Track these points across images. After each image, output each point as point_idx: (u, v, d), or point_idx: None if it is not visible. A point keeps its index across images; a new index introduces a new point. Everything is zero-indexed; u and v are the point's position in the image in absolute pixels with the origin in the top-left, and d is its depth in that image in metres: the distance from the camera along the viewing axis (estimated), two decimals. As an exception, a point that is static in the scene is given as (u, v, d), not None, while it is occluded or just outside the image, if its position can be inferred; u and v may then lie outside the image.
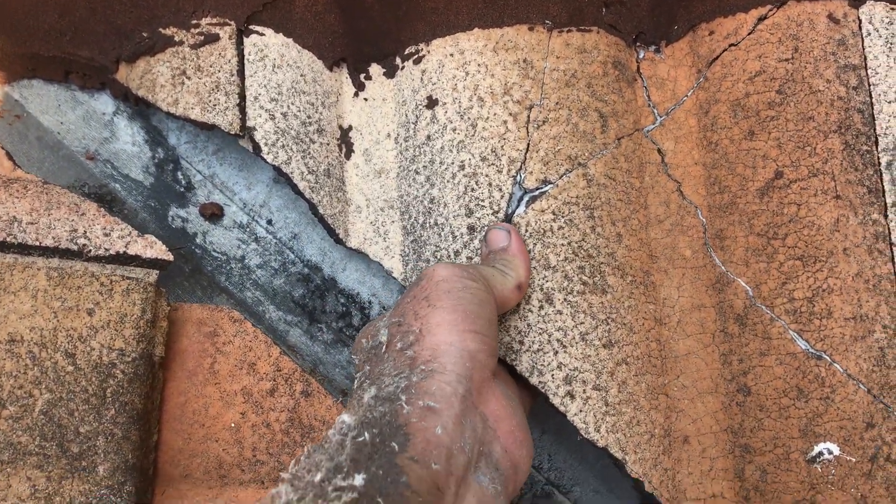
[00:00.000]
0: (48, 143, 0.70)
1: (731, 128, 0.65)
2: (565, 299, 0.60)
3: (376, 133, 0.70)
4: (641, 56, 0.69)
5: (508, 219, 0.62)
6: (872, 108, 0.63)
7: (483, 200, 0.62)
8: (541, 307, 0.60)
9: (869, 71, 0.63)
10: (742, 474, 0.61)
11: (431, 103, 0.66)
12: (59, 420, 0.54)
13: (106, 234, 0.61)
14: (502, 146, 0.63)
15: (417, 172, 0.66)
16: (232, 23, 0.66)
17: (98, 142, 0.70)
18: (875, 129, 0.62)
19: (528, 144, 0.63)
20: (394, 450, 0.40)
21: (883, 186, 0.62)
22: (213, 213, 0.69)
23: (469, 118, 0.64)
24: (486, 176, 0.62)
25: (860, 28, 0.64)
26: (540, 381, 0.59)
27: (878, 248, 0.60)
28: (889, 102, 0.62)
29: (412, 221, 0.66)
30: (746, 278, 0.63)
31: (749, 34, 0.65)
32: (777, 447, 0.60)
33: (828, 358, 0.59)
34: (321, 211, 0.65)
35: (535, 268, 0.60)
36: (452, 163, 0.64)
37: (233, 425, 0.63)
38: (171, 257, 0.62)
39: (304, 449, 0.42)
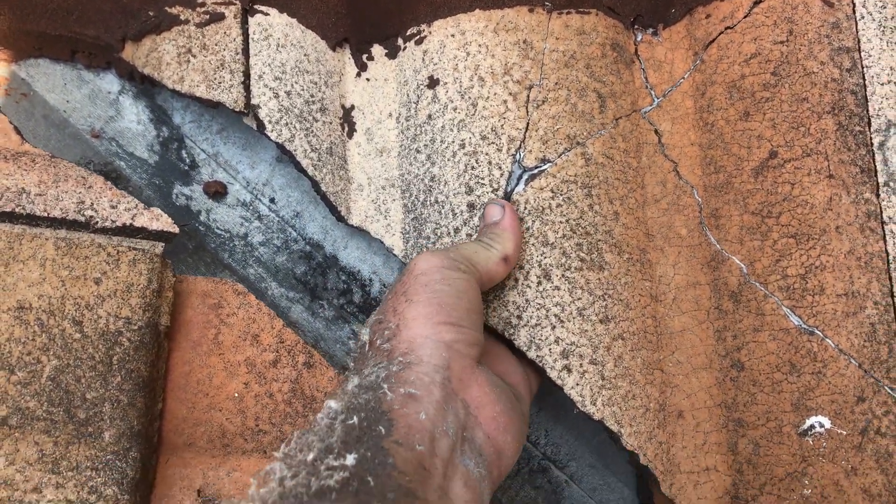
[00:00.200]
0: (54, 121, 0.70)
1: (727, 109, 0.66)
2: (563, 275, 0.61)
3: (378, 112, 0.71)
4: (639, 38, 0.70)
5: (508, 196, 0.63)
6: (865, 90, 0.64)
7: (483, 178, 0.63)
8: (539, 283, 0.61)
9: (862, 53, 0.64)
10: (735, 448, 0.63)
11: (433, 83, 0.67)
12: (66, 386, 0.55)
13: (113, 207, 0.62)
14: (502, 125, 0.64)
15: (418, 151, 0.67)
16: (237, 2, 0.67)
17: (103, 120, 0.71)
18: (868, 111, 0.64)
19: (528, 124, 0.64)
20: (380, 433, 0.42)
21: (875, 166, 0.63)
22: (217, 192, 0.70)
23: (470, 98, 0.65)
24: (486, 154, 0.64)
25: (854, 11, 0.65)
26: (538, 356, 0.60)
27: (869, 226, 0.62)
28: (882, 84, 0.64)
29: (413, 199, 0.67)
30: (741, 256, 0.64)
31: (745, 17, 0.66)
32: (769, 421, 0.61)
33: (820, 333, 0.60)
34: (323, 188, 0.66)
35: (533, 244, 0.61)
36: (453, 141, 0.65)
37: (236, 395, 0.64)
38: (176, 230, 0.63)
39: (294, 432, 0.43)
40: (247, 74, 0.66)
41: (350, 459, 0.39)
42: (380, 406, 0.44)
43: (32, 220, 0.59)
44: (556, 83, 0.65)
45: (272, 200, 0.71)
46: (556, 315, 0.60)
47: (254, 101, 0.65)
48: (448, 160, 0.64)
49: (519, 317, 0.61)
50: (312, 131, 0.67)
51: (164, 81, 0.66)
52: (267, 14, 0.68)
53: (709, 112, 0.67)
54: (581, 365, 0.60)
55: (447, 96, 0.66)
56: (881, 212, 0.62)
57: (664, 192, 0.68)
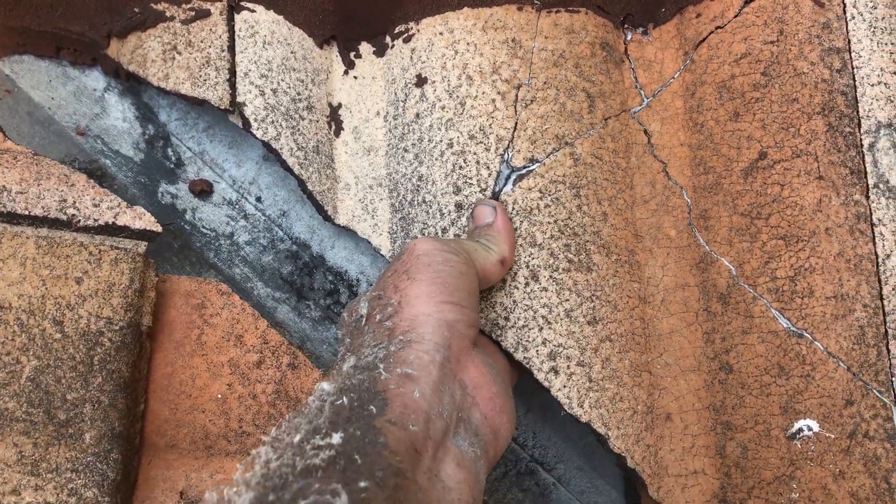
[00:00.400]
0: (39, 118, 0.70)
1: (717, 109, 0.65)
2: (551, 276, 0.61)
3: (366, 111, 0.70)
4: (629, 38, 0.70)
5: (496, 196, 0.62)
6: (856, 91, 0.63)
7: (471, 178, 0.63)
8: (526, 284, 0.60)
9: (853, 54, 0.64)
10: (723, 451, 0.62)
11: (420, 81, 0.66)
12: (46, 387, 0.55)
13: (95, 205, 0.61)
14: (490, 124, 0.63)
15: (406, 150, 0.66)
16: (223, -1, 0.66)
17: (89, 117, 0.70)
18: (858, 112, 0.63)
19: (516, 123, 0.64)
20: (372, 413, 0.41)
21: (865, 168, 0.62)
22: (203, 190, 0.70)
23: (458, 96, 0.64)
24: (474, 154, 0.63)
25: (845, 11, 0.64)
26: (525, 357, 0.59)
27: (859, 228, 0.61)
28: (872, 85, 0.63)
29: (400, 199, 0.66)
30: (730, 258, 0.63)
31: (735, 17, 0.66)
32: (758, 424, 0.60)
33: (809, 336, 0.60)
34: (310, 187, 0.65)
35: (521, 245, 0.61)
36: (441, 141, 0.64)
37: (219, 396, 0.63)
38: (159, 229, 0.62)
39: (286, 415, 0.43)
40: (232, 72, 0.65)
41: (336, 438, 0.38)
42: (374, 386, 0.43)
43: (13, 218, 0.58)
44: (545, 82, 0.65)
45: (258, 199, 0.71)
46: (543, 316, 0.60)
47: (239, 99, 0.64)
48: (436, 159, 0.64)
49: (506, 318, 0.60)
50: (299, 129, 0.66)
51: (149, 79, 0.65)
52: (253, 11, 0.67)
53: (698, 112, 0.66)
54: (568, 367, 0.59)
55: (435, 95, 0.65)
56: (871, 214, 0.62)
57: (653, 193, 0.67)
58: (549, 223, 0.62)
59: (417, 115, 0.66)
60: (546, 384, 0.59)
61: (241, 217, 0.70)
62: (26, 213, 0.59)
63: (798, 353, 0.60)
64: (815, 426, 0.59)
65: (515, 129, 0.63)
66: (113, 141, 0.70)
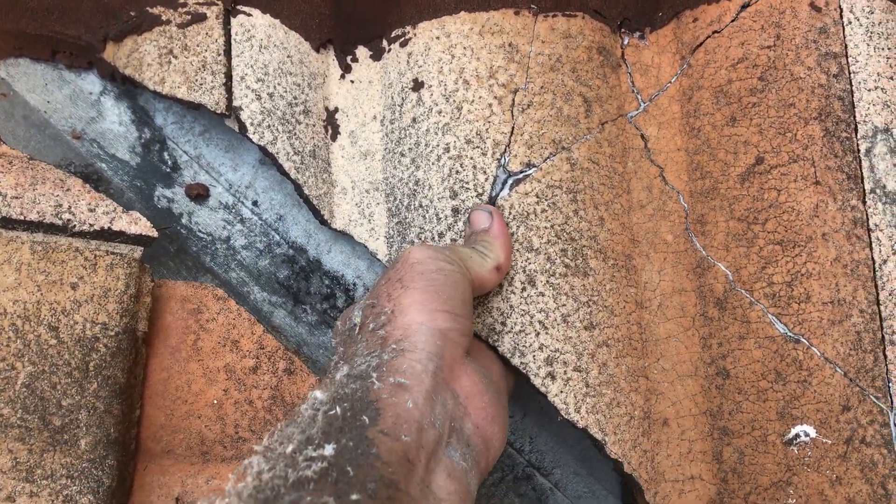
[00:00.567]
0: (34, 121, 0.70)
1: (714, 114, 0.65)
2: (548, 281, 0.60)
3: (362, 115, 0.70)
4: (626, 42, 0.70)
5: (492, 201, 0.62)
6: (852, 96, 0.63)
7: (467, 183, 0.62)
8: (523, 289, 0.60)
9: (849, 59, 0.64)
10: (720, 456, 0.62)
11: (417, 86, 0.66)
12: (41, 393, 0.54)
13: (91, 210, 0.61)
14: (487, 129, 0.63)
15: (403, 155, 0.66)
16: (219, 2, 0.66)
17: (85, 121, 0.70)
18: (855, 117, 0.63)
19: (513, 128, 0.63)
20: (364, 423, 0.41)
21: (862, 173, 0.62)
22: (199, 194, 0.70)
23: (454, 101, 0.64)
24: (471, 158, 0.63)
25: (841, 16, 0.64)
26: (521, 362, 0.59)
27: (856, 233, 0.61)
28: (869, 90, 0.63)
29: (397, 203, 0.66)
30: (727, 263, 0.63)
31: (732, 21, 0.66)
32: (755, 430, 0.60)
33: (806, 342, 0.60)
34: (306, 192, 0.65)
35: (518, 250, 0.61)
36: (437, 145, 0.64)
37: (215, 402, 0.63)
38: (155, 234, 0.62)
39: (278, 424, 0.42)
40: (229, 76, 0.65)
41: (328, 449, 0.38)
42: (367, 395, 0.43)
43: (8, 223, 0.58)
44: (542, 87, 0.64)
45: (255, 203, 0.71)
46: (540, 321, 0.60)
47: (236, 103, 0.64)
48: (432, 164, 0.64)
49: (503, 323, 0.60)
50: (295, 134, 0.66)
51: (145, 83, 0.65)
52: (249, 15, 0.67)
53: (695, 117, 0.66)
54: (565, 372, 0.59)
55: (432, 99, 0.65)
56: (867, 219, 0.62)
57: (650, 198, 0.67)
58: (545, 228, 0.61)
59: (414, 120, 0.66)
60: (543, 389, 0.59)
61: (237, 221, 0.70)
62: (21, 218, 0.59)
63: (795, 358, 0.60)
64: (812, 432, 0.59)
65: (512, 133, 0.63)
66: (109, 145, 0.70)
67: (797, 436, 0.59)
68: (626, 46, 0.70)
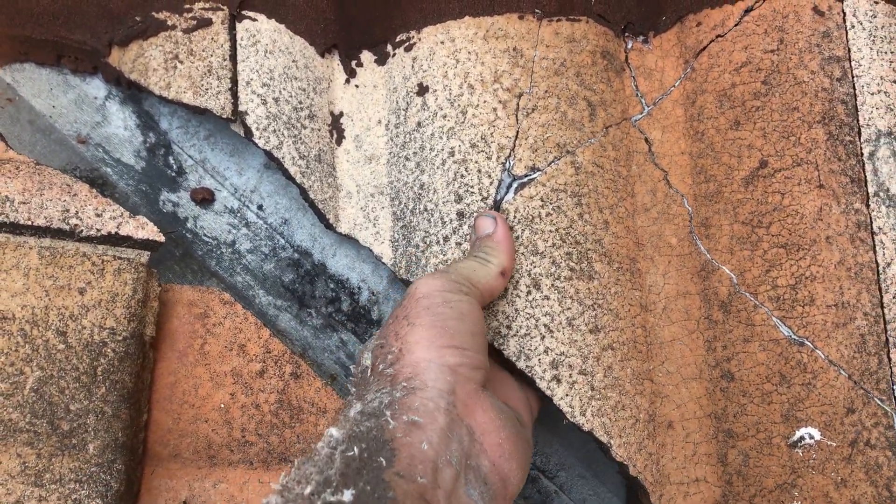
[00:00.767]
0: (40, 126, 0.70)
1: (718, 118, 0.66)
2: (553, 285, 0.61)
3: (367, 119, 0.70)
4: (630, 46, 0.70)
5: (497, 205, 0.62)
6: (856, 100, 0.64)
7: (472, 187, 0.63)
8: (528, 292, 0.61)
9: (852, 63, 0.64)
10: (725, 459, 0.62)
11: (422, 90, 0.66)
12: (49, 398, 0.55)
13: (98, 215, 0.61)
14: (492, 133, 0.64)
15: (408, 159, 0.66)
16: (225, 7, 0.66)
17: (90, 126, 0.70)
18: (858, 120, 0.63)
19: (518, 132, 0.64)
20: (381, 465, 0.41)
21: (865, 176, 0.63)
22: (204, 198, 0.70)
23: (459, 105, 0.64)
24: (476, 162, 0.63)
25: (844, 21, 0.65)
26: (527, 366, 0.59)
27: (859, 236, 0.61)
28: (872, 94, 0.63)
29: (402, 207, 0.66)
30: (731, 266, 0.63)
31: (736, 25, 0.66)
32: (759, 432, 0.61)
33: (810, 344, 0.60)
34: (312, 196, 0.65)
35: (523, 254, 0.61)
36: (442, 149, 0.64)
37: (222, 406, 0.63)
38: (162, 238, 0.62)
39: (295, 461, 0.43)
40: (234, 81, 0.65)
41: (347, 496, 0.38)
42: (382, 435, 0.43)
43: (16, 228, 0.58)
44: (546, 91, 0.65)
45: (260, 207, 0.71)
46: (545, 325, 0.60)
47: (241, 108, 0.65)
48: (437, 168, 0.64)
49: (508, 326, 0.60)
50: (300, 138, 0.66)
51: (150, 87, 0.65)
52: (255, 20, 0.67)
53: (699, 121, 0.67)
54: (570, 375, 0.59)
55: (437, 104, 0.65)
56: (871, 222, 0.62)
57: (654, 201, 0.67)
58: (550, 231, 0.62)
59: (419, 124, 0.66)
60: (549, 393, 0.59)
61: (242, 225, 0.70)
62: (29, 223, 0.59)
63: (799, 361, 0.60)
64: (817, 434, 0.59)
65: (517, 137, 0.64)
66: (114, 149, 0.70)
67: (802, 438, 0.59)
68: (629, 50, 0.70)
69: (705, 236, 0.65)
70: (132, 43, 0.67)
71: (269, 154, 0.64)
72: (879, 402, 0.59)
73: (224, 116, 0.64)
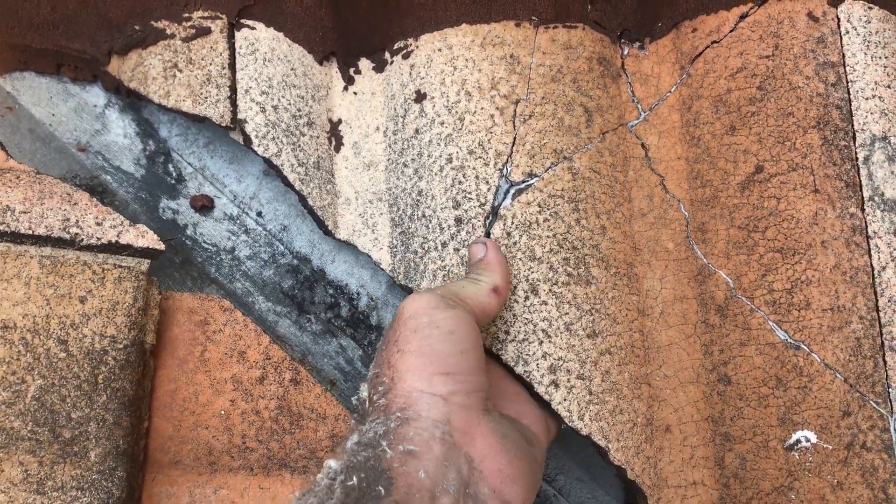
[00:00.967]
0: (40, 134, 0.70)
1: (713, 123, 0.66)
2: (550, 290, 0.61)
3: (365, 126, 0.71)
4: (626, 52, 0.70)
5: (495, 211, 0.63)
6: (850, 105, 0.64)
7: (470, 193, 0.63)
8: (526, 298, 0.61)
9: (847, 68, 0.65)
10: (722, 462, 0.63)
11: (420, 97, 0.67)
12: (51, 406, 0.55)
13: (98, 224, 0.61)
14: (489, 140, 0.64)
15: (406, 165, 0.67)
16: (223, 16, 0.67)
17: (89, 134, 0.71)
18: (853, 125, 0.64)
19: (515, 138, 0.64)
20: (380, 493, 0.41)
21: (860, 181, 0.63)
22: (204, 205, 0.70)
23: (457, 112, 0.65)
24: (474, 169, 0.64)
25: (839, 26, 0.65)
26: (525, 371, 0.60)
27: (855, 240, 0.62)
28: (866, 99, 0.64)
29: (400, 213, 0.67)
30: (727, 270, 0.64)
31: (731, 31, 0.66)
32: (756, 435, 0.61)
33: (806, 348, 0.60)
34: (310, 203, 0.66)
35: (520, 259, 0.62)
36: (440, 156, 0.65)
37: (222, 412, 0.64)
38: (162, 246, 0.63)
39: (296, 493, 0.43)
40: (233, 89, 0.65)
41: None
42: (379, 464, 0.43)
43: (17, 237, 0.59)
44: (543, 97, 0.65)
45: (259, 214, 0.71)
46: (543, 330, 0.60)
47: (240, 116, 0.65)
48: (435, 174, 0.64)
49: (506, 332, 0.61)
50: (299, 146, 0.67)
51: (150, 96, 0.66)
52: (253, 28, 0.67)
53: (695, 126, 0.67)
54: (569, 380, 0.60)
55: (434, 111, 0.66)
56: (866, 226, 0.62)
57: (651, 206, 0.68)
58: (548, 237, 0.62)
59: (417, 131, 0.66)
60: (547, 397, 0.59)
61: (242, 232, 0.71)
62: (30, 232, 0.59)
63: (795, 364, 0.60)
64: (813, 437, 0.59)
65: (514, 144, 0.64)
66: (114, 157, 0.71)
67: (798, 441, 0.60)
68: (625, 57, 0.70)
69: (702, 241, 0.66)
70: (131, 52, 0.67)
71: (267, 161, 0.65)
72: (875, 405, 0.59)
73: (223, 124, 0.64)
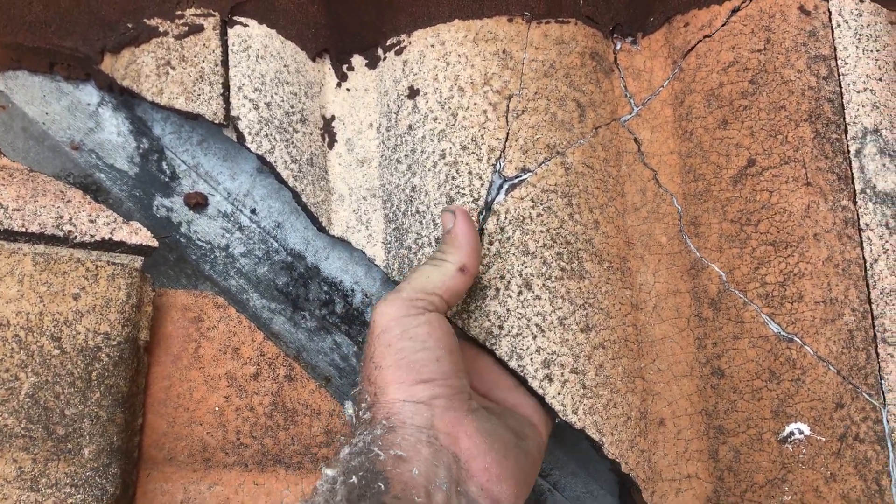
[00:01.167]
0: (33, 133, 0.70)
1: (706, 117, 0.66)
2: (544, 285, 0.61)
3: (359, 123, 0.71)
4: (618, 47, 0.71)
5: (488, 206, 0.63)
6: (842, 98, 0.64)
7: (463, 188, 0.63)
8: (520, 293, 0.61)
9: (839, 61, 0.65)
10: (716, 455, 0.63)
11: (413, 93, 0.67)
12: (44, 403, 0.55)
13: (91, 221, 0.61)
14: (482, 135, 0.64)
15: (399, 161, 0.67)
16: (216, 13, 0.67)
17: (83, 132, 0.71)
18: (844, 118, 0.64)
19: (508, 133, 0.64)
20: (380, 489, 0.42)
21: (852, 173, 0.63)
22: (198, 203, 0.70)
23: (450, 108, 0.65)
24: (467, 164, 0.64)
25: (830, 20, 0.65)
26: (519, 365, 0.60)
27: (847, 233, 0.62)
28: (858, 92, 0.64)
29: (394, 210, 0.67)
30: (720, 264, 0.64)
31: (723, 25, 0.67)
32: (750, 428, 0.61)
33: (799, 341, 0.60)
34: (304, 199, 0.66)
35: (514, 254, 0.62)
36: (433, 152, 0.65)
37: (217, 409, 0.64)
38: (155, 243, 0.63)
39: (298, 500, 0.45)
40: (226, 86, 0.65)
41: None
42: (374, 466, 0.44)
43: (10, 235, 0.59)
44: (536, 93, 0.65)
45: (253, 211, 0.71)
46: (537, 325, 0.60)
47: (233, 113, 0.65)
48: (428, 170, 0.65)
49: (500, 326, 0.61)
50: (293, 142, 0.67)
51: (143, 94, 0.66)
52: (246, 25, 0.67)
53: (688, 120, 0.67)
54: (562, 374, 0.60)
55: (427, 106, 0.66)
56: (858, 219, 0.62)
57: (644, 201, 0.68)
58: (541, 232, 0.62)
59: (410, 127, 0.66)
60: (541, 392, 0.59)
61: (236, 229, 0.71)
62: (23, 230, 0.59)
63: (788, 357, 0.60)
64: (807, 429, 0.60)
65: (507, 139, 0.64)
66: (107, 155, 0.71)
67: (792, 433, 0.60)
68: (618, 51, 0.70)
69: (695, 235, 0.66)
70: (124, 49, 0.67)
71: (261, 158, 0.65)
72: (868, 397, 0.59)
73: (216, 122, 0.65)
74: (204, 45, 0.66)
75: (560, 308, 0.61)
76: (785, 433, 0.60)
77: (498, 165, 0.64)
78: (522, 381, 0.60)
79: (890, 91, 0.64)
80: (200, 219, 0.71)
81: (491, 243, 0.62)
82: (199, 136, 0.72)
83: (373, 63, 0.71)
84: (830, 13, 0.65)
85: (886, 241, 0.62)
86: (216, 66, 0.65)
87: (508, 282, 0.61)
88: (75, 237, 0.60)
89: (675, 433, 0.64)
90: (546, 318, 0.61)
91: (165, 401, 0.63)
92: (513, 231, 0.62)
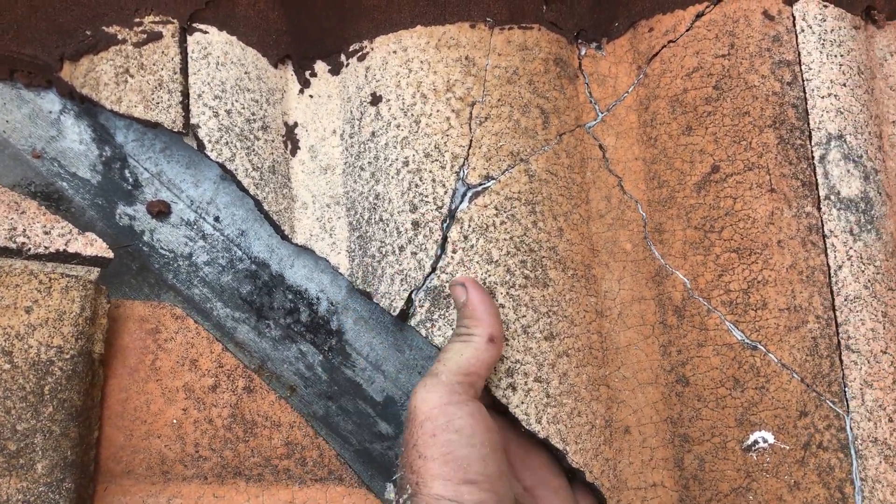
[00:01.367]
0: (-7, 141, 0.69)
1: (670, 123, 0.66)
2: (507, 293, 0.61)
3: (322, 130, 0.70)
4: (583, 53, 0.70)
5: (452, 214, 0.62)
6: (806, 103, 0.64)
7: (427, 196, 0.63)
8: (483, 301, 0.60)
9: (803, 67, 0.64)
10: (681, 463, 0.63)
11: (375, 100, 0.66)
12: (-5, 418, 0.54)
13: (46, 233, 0.61)
14: (445, 142, 0.63)
15: (362, 169, 0.66)
16: (175, 21, 0.66)
17: (45, 140, 0.70)
18: (809, 124, 0.64)
19: (471, 141, 0.64)
20: None
21: (816, 180, 0.63)
22: (161, 211, 0.70)
23: (412, 115, 0.64)
24: (430, 172, 0.63)
25: (794, 25, 0.65)
26: (482, 374, 0.59)
27: (811, 240, 0.62)
28: (822, 97, 0.64)
29: (358, 217, 0.66)
30: (684, 271, 0.64)
31: (687, 31, 0.66)
32: (714, 436, 0.61)
33: (763, 348, 0.60)
34: (266, 208, 0.65)
35: (477, 262, 0.61)
36: (396, 159, 0.64)
37: (175, 421, 0.63)
38: (111, 255, 0.62)
39: None
40: (186, 94, 0.65)
41: None
42: None
43: (-38, 247, 0.58)
44: (499, 99, 0.65)
45: (217, 219, 0.71)
46: (500, 333, 0.60)
47: (193, 121, 0.64)
48: (392, 178, 0.64)
49: (463, 336, 0.60)
50: (254, 150, 0.66)
51: (102, 102, 0.65)
52: (206, 32, 0.67)
53: (652, 126, 0.67)
54: (526, 383, 0.59)
55: (390, 113, 0.65)
56: (822, 225, 0.62)
57: (609, 208, 0.67)
58: (504, 240, 0.62)
59: (373, 134, 0.66)
60: (504, 401, 0.59)
61: (199, 237, 0.70)
62: (-25, 242, 0.59)
63: (752, 365, 0.60)
64: (770, 438, 0.59)
65: (470, 146, 0.64)
66: (70, 163, 0.70)
67: (756, 442, 0.60)
68: (583, 57, 0.70)
69: (659, 241, 0.65)
70: (83, 57, 0.67)
71: (222, 166, 0.64)
72: (831, 405, 0.59)
73: (175, 130, 0.64)
74: (163, 52, 0.65)
75: (524, 316, 0.61)
76: (749, 441, 0.60)
77: (461, 173, 0.63)
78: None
79: (854, 96, 0.64)
80: (163, 227, 0.70)
81: (454, 251, 0.62)
82: (161, 144, 0.71)
83: (336, 69, 0.71)
84: (794, 18, 0.65)
85: (850, 248, 0.61)
86: (175, 73, 0.64)
87: (470, 291, 0.61)
88: (29, 249, 0.60)
89: (640, 441, 0.64)
90: (509, 327, 0.60)
91: (122, 413, 0.63)
92: (476, 239, 0.62)
